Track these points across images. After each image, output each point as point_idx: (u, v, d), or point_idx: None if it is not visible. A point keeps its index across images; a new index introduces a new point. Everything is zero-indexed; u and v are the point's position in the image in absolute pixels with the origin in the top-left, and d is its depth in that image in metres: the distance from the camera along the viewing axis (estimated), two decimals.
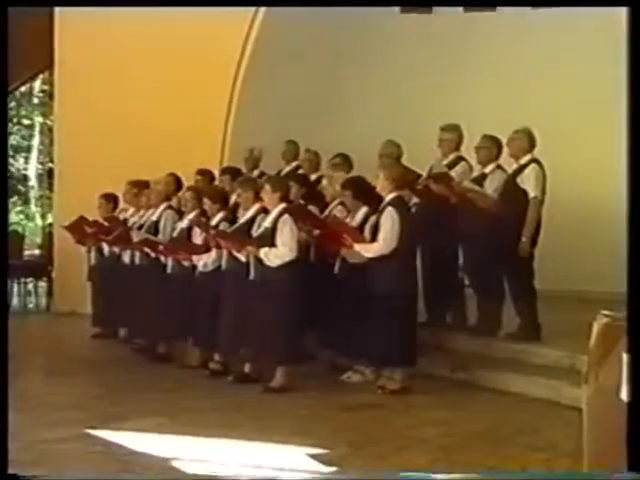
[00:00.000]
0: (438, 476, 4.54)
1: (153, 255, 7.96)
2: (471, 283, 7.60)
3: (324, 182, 7.72)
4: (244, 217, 7.02)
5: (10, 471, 3.73)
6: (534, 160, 7.06)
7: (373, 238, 6.52)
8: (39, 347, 8.97)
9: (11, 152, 20.05)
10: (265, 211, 6.77)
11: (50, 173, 14.32)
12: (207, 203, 7.39)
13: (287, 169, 8.59)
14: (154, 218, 8.15)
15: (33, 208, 22.21)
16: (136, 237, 8.14)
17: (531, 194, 6.97)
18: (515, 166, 7.14)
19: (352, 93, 10.25)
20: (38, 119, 21.91)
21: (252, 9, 9.77)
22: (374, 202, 6.74)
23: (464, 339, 7.40)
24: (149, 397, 6.44)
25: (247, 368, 6.90)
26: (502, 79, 10.04)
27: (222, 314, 6.96)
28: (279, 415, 5.95)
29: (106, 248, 8.98)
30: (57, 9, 10.83)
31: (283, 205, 6.65)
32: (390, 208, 6.46)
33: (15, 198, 20.88)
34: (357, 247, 6.57)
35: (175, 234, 7.80)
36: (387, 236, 6.40)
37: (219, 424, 5.59)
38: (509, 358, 6.93)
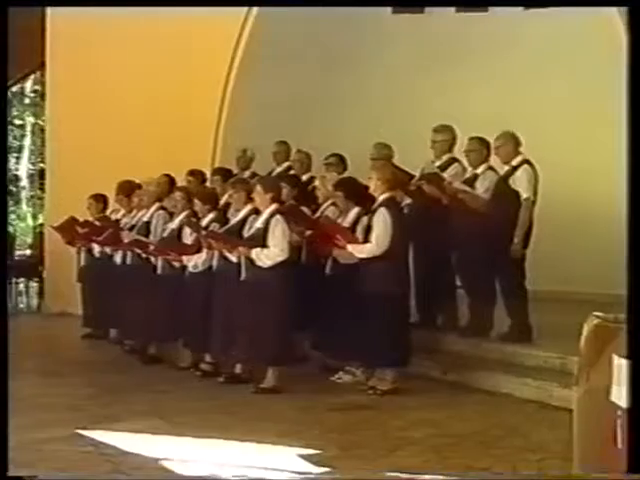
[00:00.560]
0: (429, 477, 4.54)
1: (144, 256, 7.94)
2: (463, 284, 7.60)
3: (317, 182, 7.71)
4: (235, 218, 7.01)
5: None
6: (525, 161, 7.07)
7: (365, 239, 6.52)
8: (30, 348, 8.92)
9: None
10: (256, 212, 6.76)
11: (41, 173, 14.30)
12: (197, 204, 7.39)
13: (278, 170, 8.58)
14: (146, 219, 8.13)
15: (24, 208, 22.15)
16: (126, 238, 8.12)
17: (523, 195, 6.98)
18: (507, 168, 7.15)
19: (344, 94, 10.24)
20: (30, 119, 21.85)
21: (245, 8, 9.76)
22: (366, 203, 6.74)
23: (455, 340, 7.40)
24: (140, 398, 6.43)
25: (238, 369, 6.89)
26: (496, 79, 10.03)
27: (213, 315, 6.95)
28: (270, 416, 5.93)
29: (96, 249, 8.96)
30: (49, 9, 10.80)
31: (275, 206, 6.64)
32: (383, 209, 6.46)
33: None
34: (350, 248, 6.57)
35: (165, 234, 7.79)
36: (380, 237, 6.40)
37: (210, 425, 5.58)
38: (500, 359, 6.94)
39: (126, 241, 8.11)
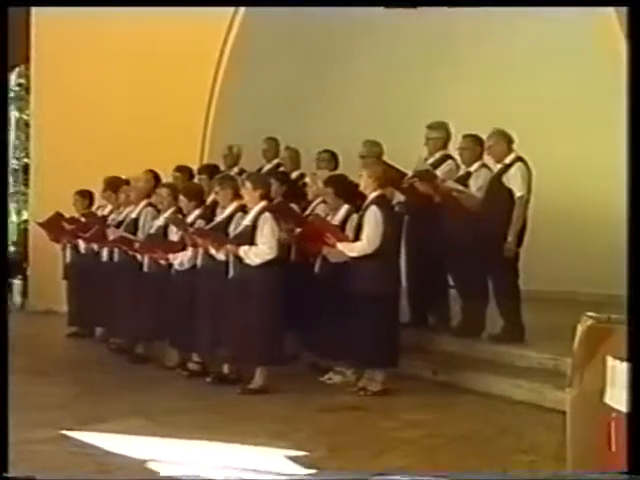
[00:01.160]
0: (419, 478, 4.47)
1: (130, 253, 7.84)
2: (455, 283, 7.54)
3: (307, 179, 7.65)
4: (221, 215, 6.92)
5: None
6: (519, 159, 7.01)
7: (356, 237, 6.44)
8: (14, 346, 8.79)
9: None
10: (243, 209, 6.67)
11: (26, 169, 14.19)
12: (183, 200, 7.30)
13: (268, 167, 8.51)
14: (133, 215, 8.05)
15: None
16: (112, 235, 8.02)
17: (517, 194, 6.92)
18: (500, 166, 7.09)
19: (335, 91, 10.19)
20: (14, 113, 21.67)
21: (232, 7, 9.71)
22: (356, 200, 6.67)
23: (447, 340, 7.34)
24: (126, 398, 6.34)
25: (226, 369, 6.81)
26: (489, 77, 9.99)
27: (200, 313, 6.86)
28: (258, 416, 5.87)
29: (82, 245, 8.86)
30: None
31: (264, 203, 6.56)
32: (374, 207, 6.38)
33: None
34: (340, 246, 6.49)
35: (152, 231, 7.69)
36: (371, 235, 6.33)
37: (197, 425, 5.51)
38: (492, 360, 6.87)
39: (112, 238, 8.00)
